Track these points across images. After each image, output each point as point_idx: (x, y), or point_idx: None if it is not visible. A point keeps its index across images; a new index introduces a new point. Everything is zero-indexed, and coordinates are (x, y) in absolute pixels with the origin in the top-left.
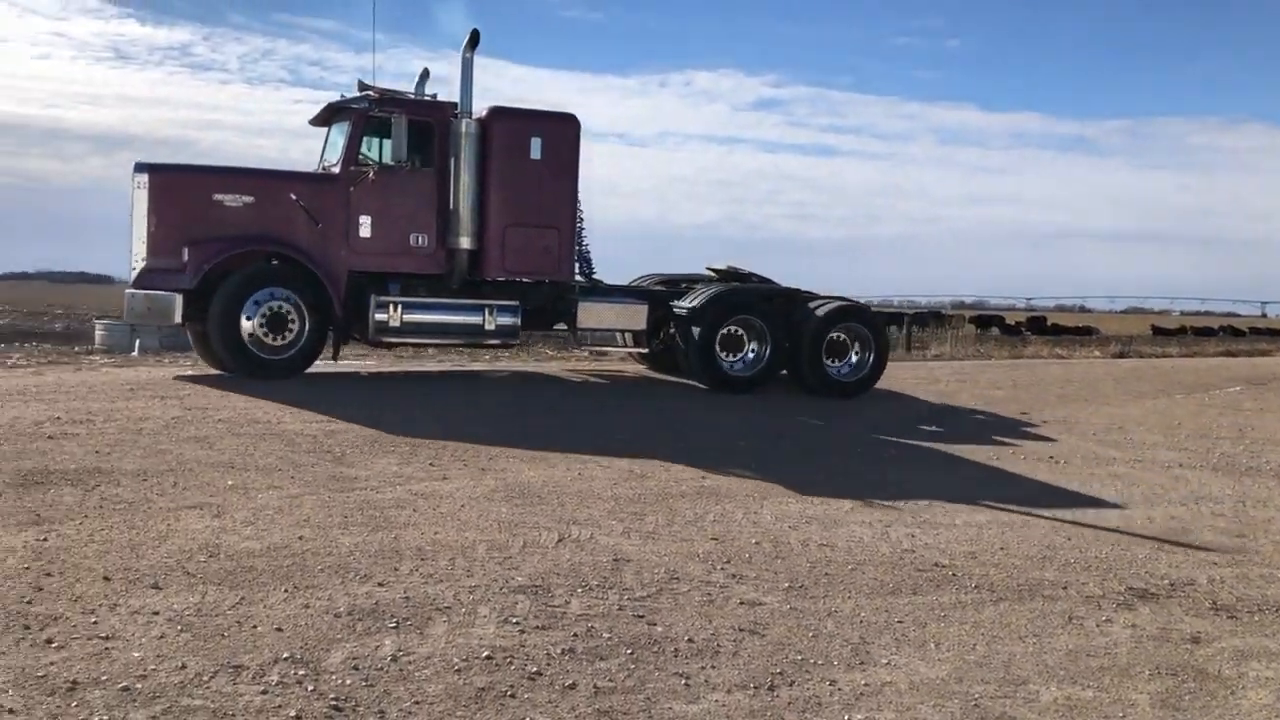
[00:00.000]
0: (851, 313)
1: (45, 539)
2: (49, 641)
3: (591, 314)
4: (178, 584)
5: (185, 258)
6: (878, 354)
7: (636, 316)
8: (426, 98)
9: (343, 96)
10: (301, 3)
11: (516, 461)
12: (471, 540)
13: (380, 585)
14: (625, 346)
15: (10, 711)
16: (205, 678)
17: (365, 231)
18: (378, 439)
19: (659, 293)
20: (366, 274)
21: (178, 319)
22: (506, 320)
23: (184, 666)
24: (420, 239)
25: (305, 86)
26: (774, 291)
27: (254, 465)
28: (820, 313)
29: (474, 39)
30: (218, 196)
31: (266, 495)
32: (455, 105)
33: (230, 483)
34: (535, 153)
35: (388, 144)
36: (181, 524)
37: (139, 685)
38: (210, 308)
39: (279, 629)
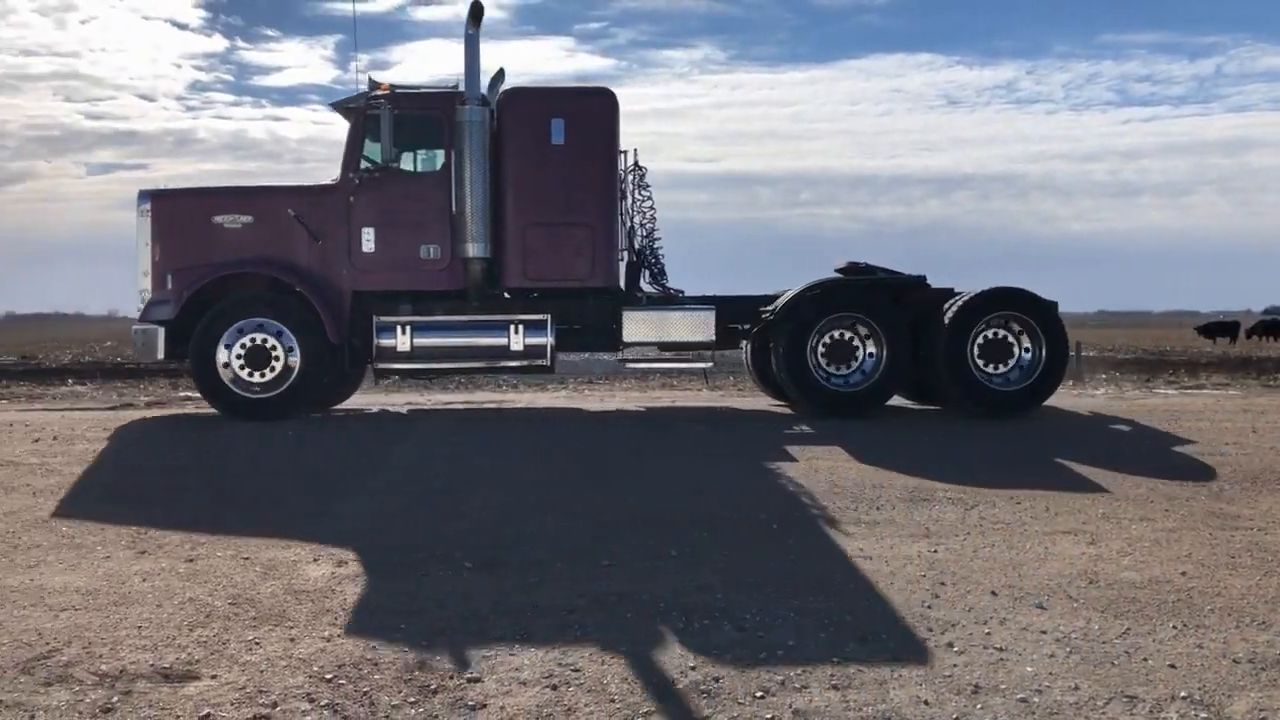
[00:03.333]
0: (1008, 299)
1: (935, 551)
2: (949, 645)
3: (640, 325)
4: (1061, 606)
5: (168, 286)
6: (1050, 355)
7: (700, 326)
8: (445, 88)
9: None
10: (1127, 19)
11: None
12: None
13: None
14: (673, 362)
15: (925, 703)
16: (1099, 703)
17: (369, 245)
18: (1260, 475)
19: (736, 298)
20: (374, 294)
21: (160, 355)
22: (536, 339)
23: (1076, 688)
24: (431, 250)
25: (1134, 105)
26: (891, 282)
27: (1125, 495)
28: (962, 301)
29: (476, 13)
30: (217, 219)
31: (1139, 527)
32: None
33: (1101, 511)
34: (557, 137)
35: (402, 146)
36: (1058, 548)
37: (1035, 699)
38: (190, 342)
39: (1171, 665)
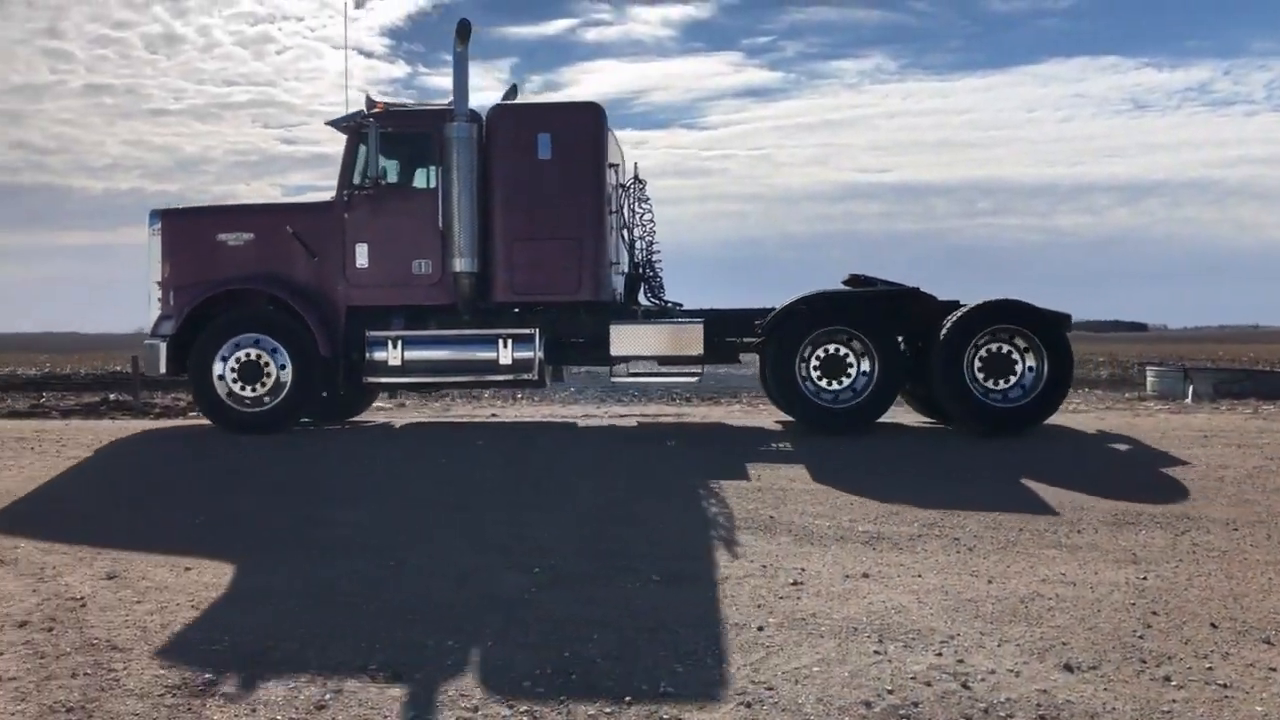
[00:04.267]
0: (1006, 312)
1: (1145, 578)
2: (1167, 679)
3: (628, 339)
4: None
5: (172, 302)
6: (1053, 371)
7: (688, 340)
8: (437, 106)
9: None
10: None
11: None
12: None
13: None
14: (658, 377)
15: None
16: None
17: (362, 261)
18: None
19: (727, 312)
20: (369, 309)
21: (163, 369)
22: (524, 353)
23: None
24: (424, 265)
25: None
26: (879, 295)
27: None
28: (957, 315)
29: (463, 31)
30: (221, 236)
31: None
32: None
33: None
34: (544, 152)
35: (395, 162)
36: None
37: None
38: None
39: None
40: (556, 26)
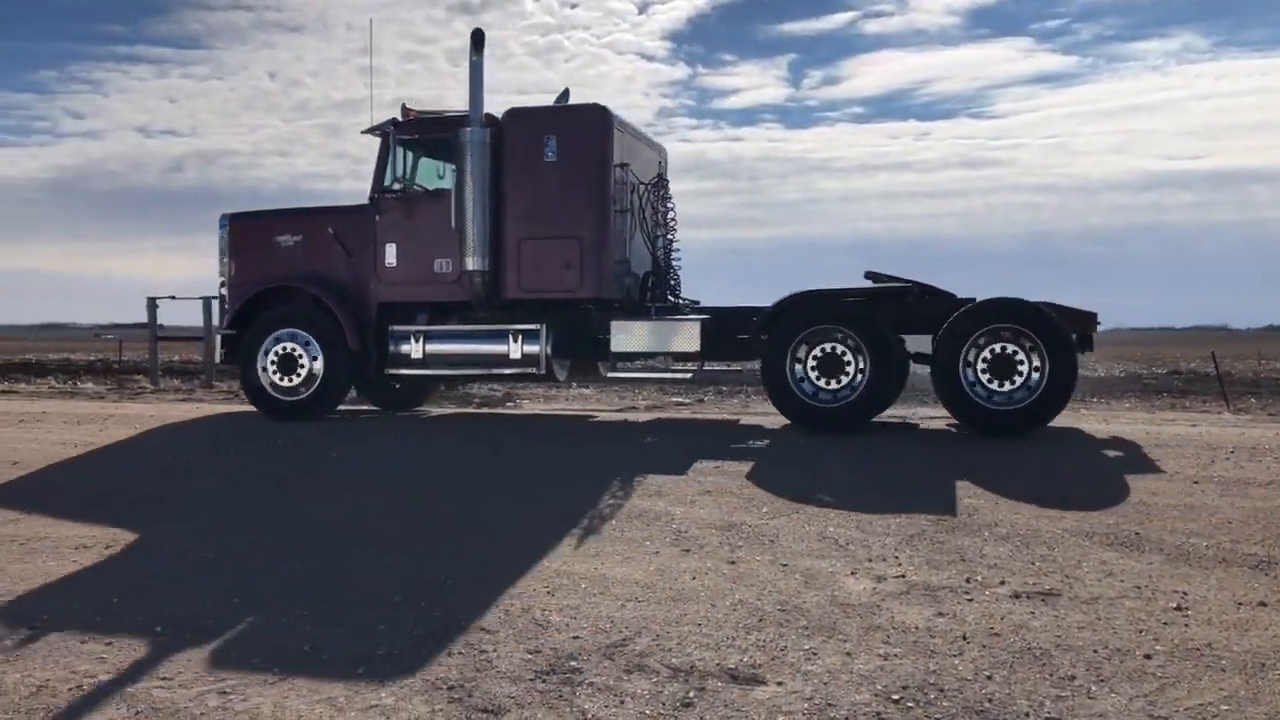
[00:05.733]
0: (1006, 311)
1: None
2: None
3: (627, 336)
4: None
5: (230, 299)
6: (1055, 373)
7: (686, 337)
8: (457, 113)
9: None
10: None
11: None
12: None
13: None
14: (653, 372)
15: None
16: None
17: (391, 260)
18: None
19: (726, 309)
20: (396, 305)
21: (219, 359)
22: (531, 348)
23: None
24: (444, 264)
25: None
26: (872, 291)
27: None
28: (956, 314)
29: (478, 40)
30: (277, 238)
31: None
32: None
33: None
34: (550, 154)
35: (425, 168)
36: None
37: None
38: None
39: None
40: (836, 20)
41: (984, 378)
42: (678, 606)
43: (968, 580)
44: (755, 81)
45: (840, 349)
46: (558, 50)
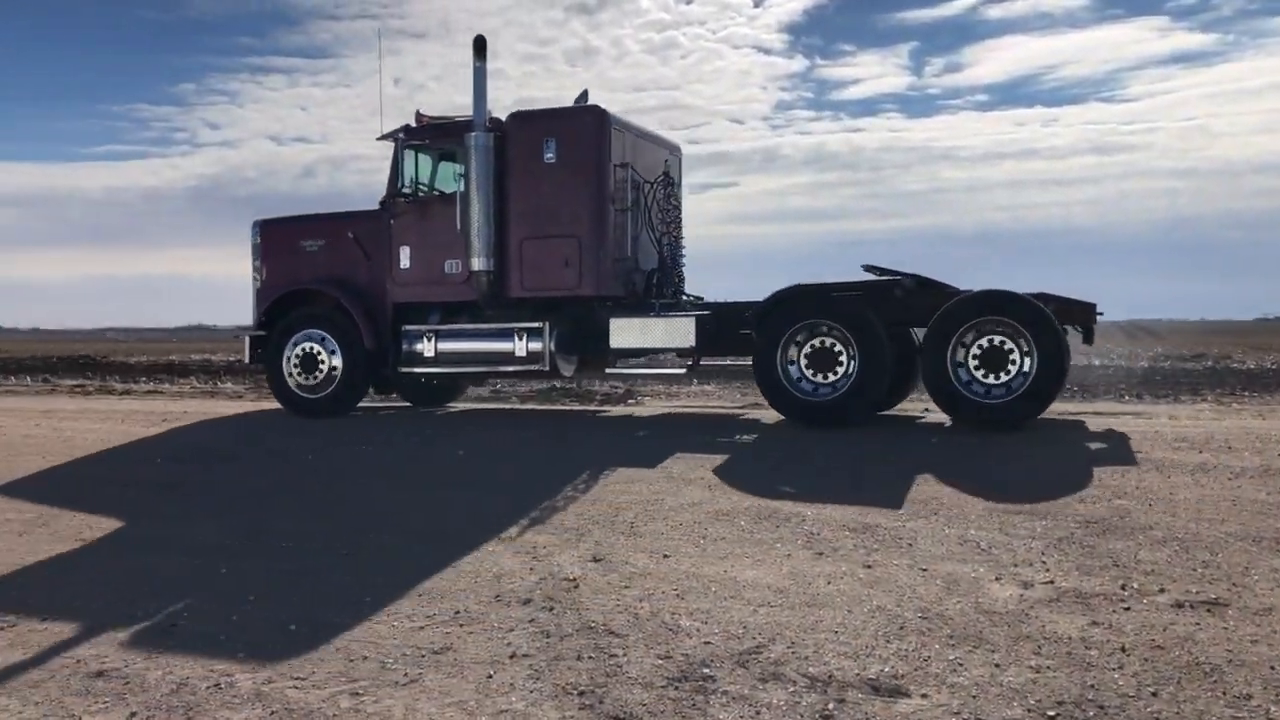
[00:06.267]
0: (995, 303)
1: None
2: None
3: (625, 333)
4: None
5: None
6: (1043, 365)
7: (681, 334)
8: (463, 119)
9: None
10: None
11: None
12: None
13: None
14: (649, 368)
15: None
16: None
17: (405, 262)
18: None
19: (722, 305)
20: (410, 305)
21: (248, 359)
22: (535, 345)
23: None
24: (453, 265)
25: None
26: (857, 286)
27: None
28: (944, 307)
29: (480, 47)
30: (303, 243)
31: None
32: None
33: None
34: (549, 155)
35: (444, 171)
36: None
37: None
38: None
39: None
40: (957, 6)
41: (978, 373)
42: (813, 612)
43: (1123, 587)
44: (875, 71)
45: (831, 343)
46: (673, 47)
